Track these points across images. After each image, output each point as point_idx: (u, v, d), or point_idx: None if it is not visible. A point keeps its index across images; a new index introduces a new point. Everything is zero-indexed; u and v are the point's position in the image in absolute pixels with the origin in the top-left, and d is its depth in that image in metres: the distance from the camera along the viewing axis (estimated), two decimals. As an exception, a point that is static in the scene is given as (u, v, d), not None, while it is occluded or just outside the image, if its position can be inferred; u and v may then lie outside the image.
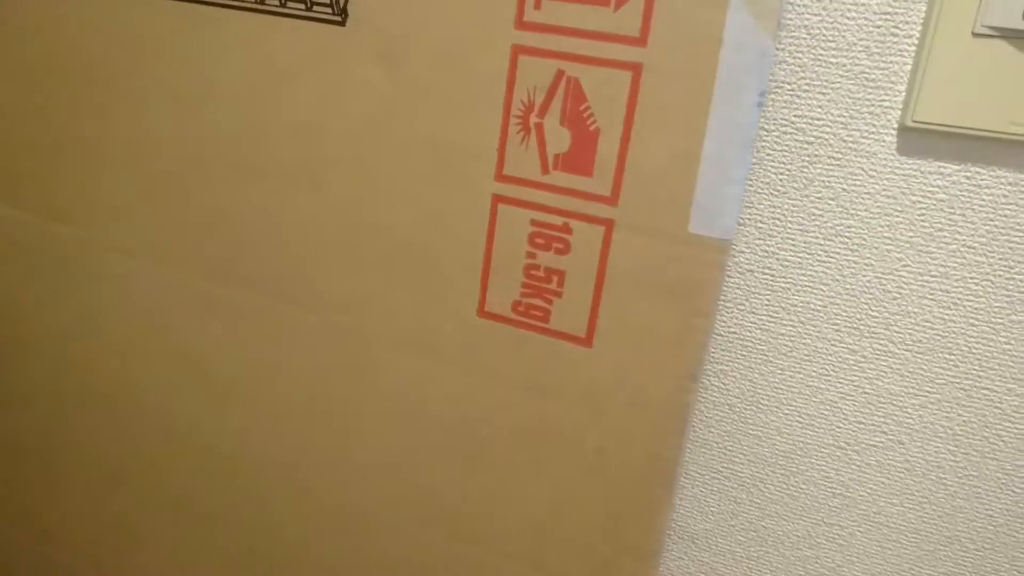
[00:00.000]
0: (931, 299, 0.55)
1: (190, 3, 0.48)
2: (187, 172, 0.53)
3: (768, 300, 0.59)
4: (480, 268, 0.44)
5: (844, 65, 0.53)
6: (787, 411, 0.61)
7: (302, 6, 0.45)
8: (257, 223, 0.52)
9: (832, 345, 0.58)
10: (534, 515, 0.45)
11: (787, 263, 0.57)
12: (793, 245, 0.57)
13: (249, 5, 0.47)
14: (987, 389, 0.55)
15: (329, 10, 0.44)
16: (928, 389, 0.56)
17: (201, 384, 0.58)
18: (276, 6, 0.46)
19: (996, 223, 0.52)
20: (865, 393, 0.58)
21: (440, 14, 0.41)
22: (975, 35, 0.49)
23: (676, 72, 0.37)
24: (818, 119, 0.54)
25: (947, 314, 0.55)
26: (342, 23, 0.44)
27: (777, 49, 0.53)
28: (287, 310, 0.52)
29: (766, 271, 0.58)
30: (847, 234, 0.55)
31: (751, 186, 0.56)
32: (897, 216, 0.54)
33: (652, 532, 0.42)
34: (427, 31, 0.42)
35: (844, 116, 0.54)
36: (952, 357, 0.55)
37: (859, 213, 0.55)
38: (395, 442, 0.51)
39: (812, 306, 0.58)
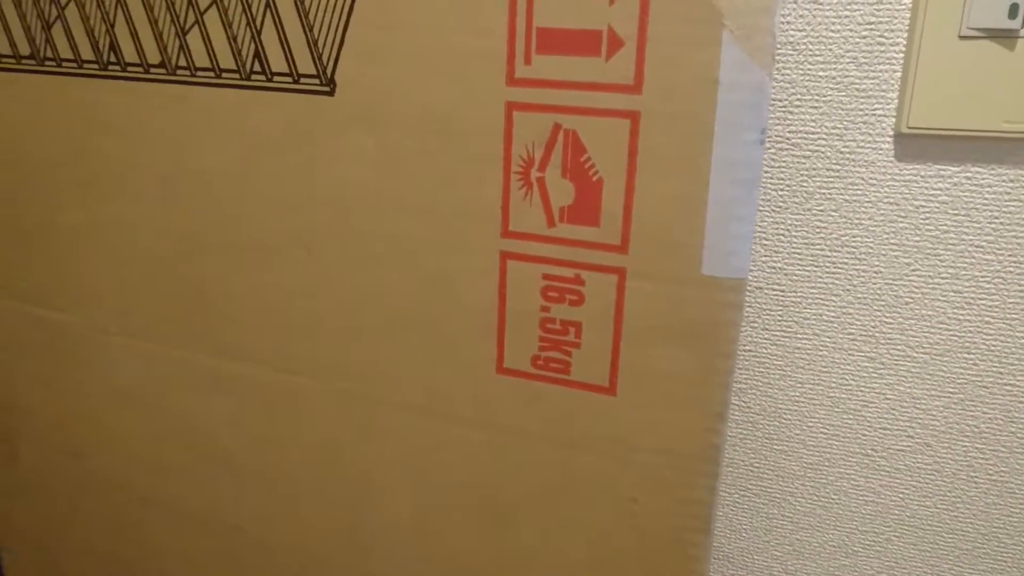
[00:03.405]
0: (944, 300, 0.54)
1: (173, 84, 0.48)
2: (178, 251, 0.53)
3: (780, 316, 0.58)
4: (495, 326, 0.43)
5: (834, 78, 0.53)
6: (811, 423, 0.60)
7: (289, 79, 0.45)
8: (253, 296, 0.51)
9: (849, 355, 0.58)
10: (572, 572, 0.45)
11: (796, 277, 0.57)
12: (800, 259, 0.57)
13: (234, 81, 0.46)
14: (1009, 385, 0.55)
15: (317, 81, 0.44)
16: (950, 390, 0.56)
17: (213, 462, 0.57)
18: (263, 81, 0.45)
19: (1001, 220, 0.52)
20: (887, 399, 0.58)
21: (429, 77, 0.41)
22: (961, 37, 0.48)
23: (674, 116, 0.36)
24: (812, 133, 0.54)
25: (961, 314, 0.54)
26: (330, 93, 0.44)
27: (764, 67, 0.53)
28: (290, 380, 0.52)
29: (775, 287, 0.58)
30: (853, 244, 0.55)
31: (751, 204, 0.56)
32: (901, 221, 0.54)
33: None
34: (417, 95, 0.42)
35: (839, 128, 0.53)
36: (971, 356, 0.55)
37: (863, 222, 0.54)
38: (412, 508, 0.51)
39: (825, 318, 0.57)
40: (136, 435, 0.60)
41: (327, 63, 0.43)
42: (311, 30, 0.43)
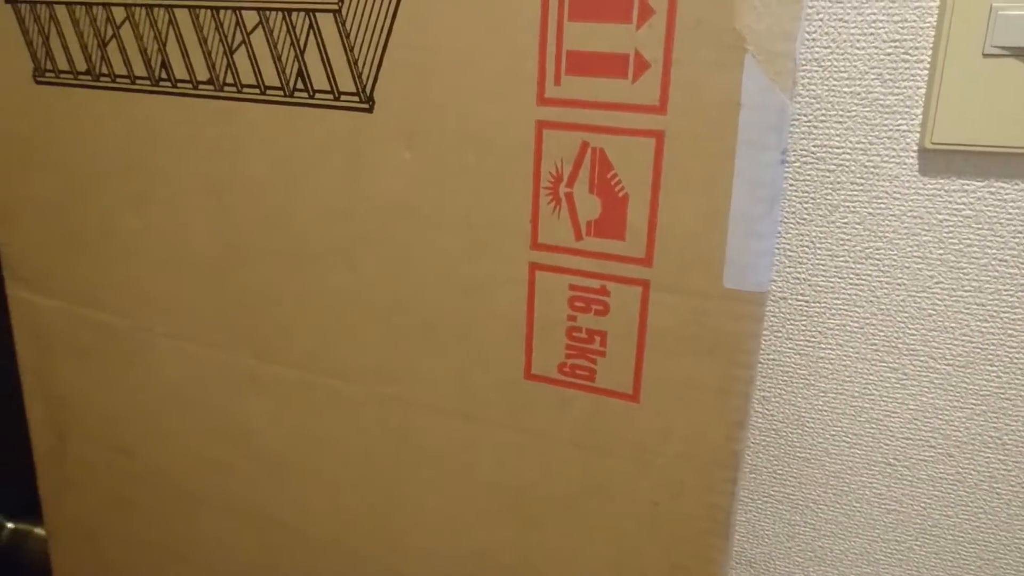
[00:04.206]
0: (967, 313, 0.55)
1: (220, 100, 0.50)
2: (225, 257, 0.55)
3: (804, 325, 0.59)
4: (523, 333, 0.45)
5: (859, 94, 0.54)
6: (833, 432, 0.61)
7: (330, 96, 0.47)
8: (295, 302, 0.53)
9: (872, 364, 0.58)
10: (595, 571, 0.46)
11: (820, 288, 0.58)
12: (824, 270, 0.58)
13: (278, 98, 0.49)
14: (1032, 397, 0.55)
15: (356, 98, 0.46)
16: (973, 401, 0.57)
17: (255, 458, 0.60)
18: (305, 97, 0.48)
19: (1025, 235, 0.53)
20: (910, 409, 0.58)
21: (464, 96, 0.43)
22: (985, 55, 0.49)
23: (697, 136, 0.38)
24: (837, 147, 0.55)
25: (984, 327, 0.55)
26: (369, 110, 0.46)
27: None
28: (330, 383, 0.54)
29: (799, 297, 0.59)
30: (877, 256, 0.56)
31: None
32: (925, 235, 0.55)
33: (713, 576, 0.43)
34: (452, 113, 0.43)
35: (863, 143, 0.54)
36: (994, 369, 0.56)
37: (887, 235, 0.55)
38: (443, 505, 0.53)
39: (848, 328, 0.58)
40: (182, 432, 0.63)
41: (366, 81, 0.45)
42: (351, 50, 0.45)
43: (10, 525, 0.98)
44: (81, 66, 0.55)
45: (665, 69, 0.38)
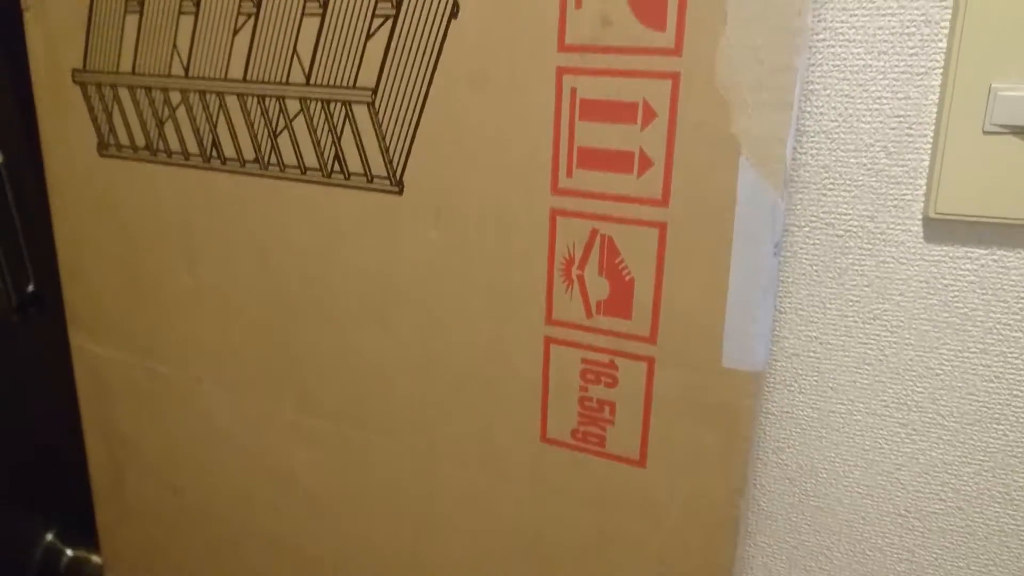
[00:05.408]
0: (973, 374, 0.57)
1: (269, 179, 0.55)
2: (271, 315, 0.60)
3: (816, 380, 0.62)
4: (539, 399, 0.49)
5: (865, 164, 0.56)
6: (846, 482, 0.63)
7: (364, 179, 0.51)
8: (334, 358, 0.58)
9: (882, 419, 0.61)
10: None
11: (831, 346, 0.60)
12: (835, 329, 0.60)
13: (317, 178, 0.53)
14: (1039, 456, 0.57)
15: (387, 182, 0.50)
16: (981, 457, 0.59)
17: (299, 500, 0.64)
18: (341, 179, 0.52)
19: (1028, 301, 0.54)
20: (919, 463, 0.60)
21: (485, 182, 0.47)
22: (986, 132, 0.51)
23: (698, 228, 0.41)
24: (845, 214, 0.58)
25: (990, 387, 0.57)
26: (399, 192, 0.50)
27: (800, 152, 0.57)
28: (366, 436, 0.58)
29: (811, 354, 0.61)
30: (885, 317, 0.58)
31: (788, 277, 0.60)
32: (931, 298, 0.57)
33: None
34: (474, 197, 0.47)
35: (870, 210, 0.57)
36: (1000, 427, 0.57)
37: (894, 297, 0.58)
38: (466, 547, 0.56)
39: (859, 384, 0.61)
40: (229, 473, 0.67)
41: (397, 167, 0.49)
42: (383, 138, 0.50)
43: (69, 552, 1.04)
44: (140, 142, 0.61)
45: (667, 166, 0.41)
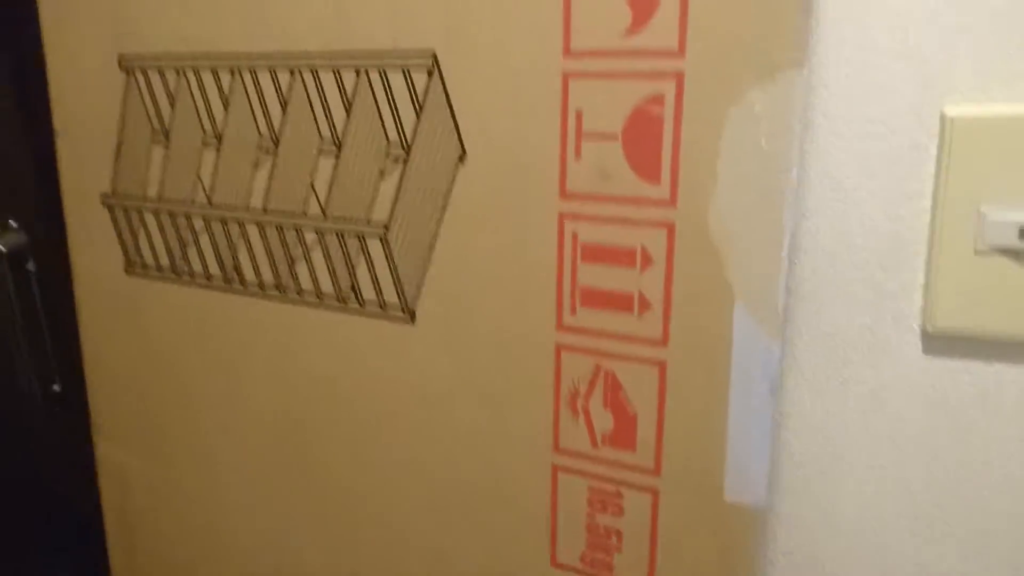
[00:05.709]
0: (978, 483, 0.58)
1: (286, 305, 0.57)
2: (284, 425, 0.62)
3: (823, 487, 0.62)
4: (549, 525, 0.50)
5: (863, 280, 0.58)
6: (857, 590, 0.63)
7: (377, 307, 0.53)
8: (349, 466, 0.59)
9: (888, 525, 0.61)
10: None
11: (836, 455, 0.61)
12: (840, 438, 0.61)
13: (332, 305, 0.55)
14: (1047, 567, 0.57)
15: (400, 312, 0.52)
16: (990, 561, 0.59)
17: None
18: (356, 307, 0.54)
19: (1028, 414, 0.55)
20: (929, 572, 0.61)
21: (494, 318, 0.49)
22: (977, 252, 0.53)
23: (696, 368, 0.43)
24: (846, 327, 0.59)
25: (996, 497, 0.57)
26: (411, 321, 0.52)
27: (798, 267, 0.59)
28: (378, 553, 0.59)
29: (817, 462, 0.62)
30: (887, 427, 0.59)
31: (793, 384, 0.61)
32: (933, 409, 0.58)
33: None
34: (484, 331, 0.49)
35: (869, 323, 0.58)
36: (1011, 541, 0.58)
37: (897, 409, 0.59)
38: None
39: (865, 492, 0.61)
40: (244, 570, 0.69)
41: (409, 298, 0.52)
42: (396, 270, 0.52)
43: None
44: (165, 263, 0.64)
45: (665, 309, 0.43)
